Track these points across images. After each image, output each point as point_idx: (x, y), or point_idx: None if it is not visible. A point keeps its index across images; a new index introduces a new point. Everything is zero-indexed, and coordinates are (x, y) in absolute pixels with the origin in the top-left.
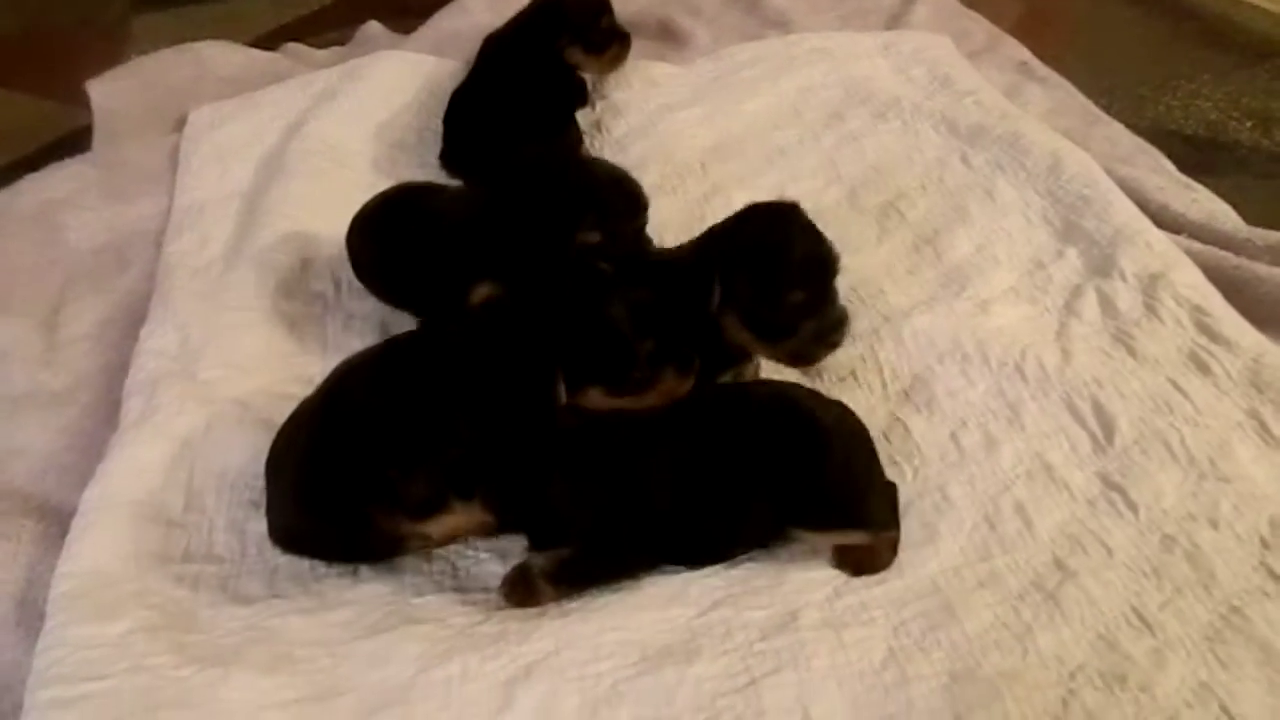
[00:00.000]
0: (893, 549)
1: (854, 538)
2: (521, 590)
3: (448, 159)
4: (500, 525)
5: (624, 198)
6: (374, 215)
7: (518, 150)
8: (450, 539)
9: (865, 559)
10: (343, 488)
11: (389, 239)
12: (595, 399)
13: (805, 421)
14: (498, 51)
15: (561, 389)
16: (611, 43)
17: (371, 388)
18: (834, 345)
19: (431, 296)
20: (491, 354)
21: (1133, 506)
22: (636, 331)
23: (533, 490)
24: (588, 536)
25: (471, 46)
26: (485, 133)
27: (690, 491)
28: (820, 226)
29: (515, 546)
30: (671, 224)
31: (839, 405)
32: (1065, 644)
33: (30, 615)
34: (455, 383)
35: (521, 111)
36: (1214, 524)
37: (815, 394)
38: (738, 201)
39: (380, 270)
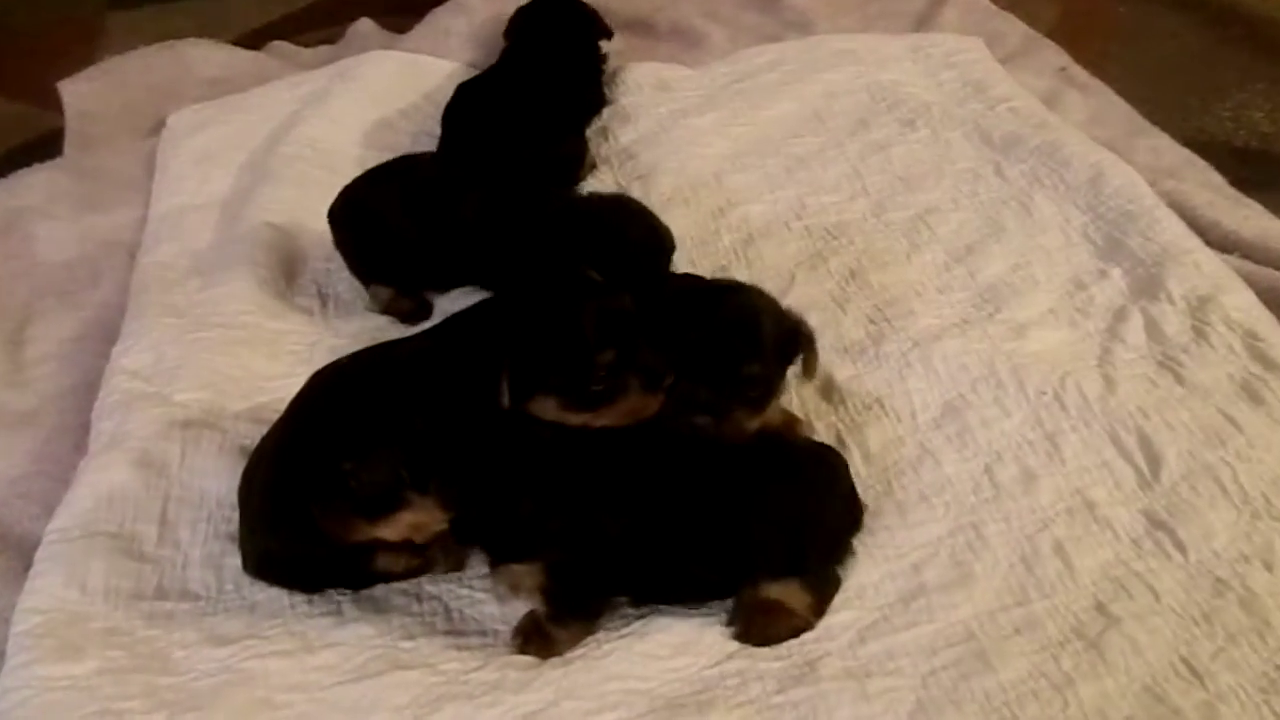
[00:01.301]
0: (795, 634)
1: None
2: (537, 641)
3: (443, 155)
4: (457, 527)
5: (649, 238)
6: (358, 185)
7: (518, 154)
8: (422, 570)
9: (768, 624)
10: (306, 501)
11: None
12: (549, 409)
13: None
14: (523, 48)
15: (505, 392)
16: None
17: (333, 393)
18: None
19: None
20: (447, 354)
21: (1181, 547)
22: (598, 340)
23: (493, 492)
24: (557, 551)
25: (470, 46)
26: (489, 132)
27: (660, 512)
28: (844, 242)
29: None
30: (684, 239)
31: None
32: (1109, 696)
33: None
34: (411, 381)
35: (533, 114)
36: (1269, 566)
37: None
38: (754, 216)
39: (365, 233)
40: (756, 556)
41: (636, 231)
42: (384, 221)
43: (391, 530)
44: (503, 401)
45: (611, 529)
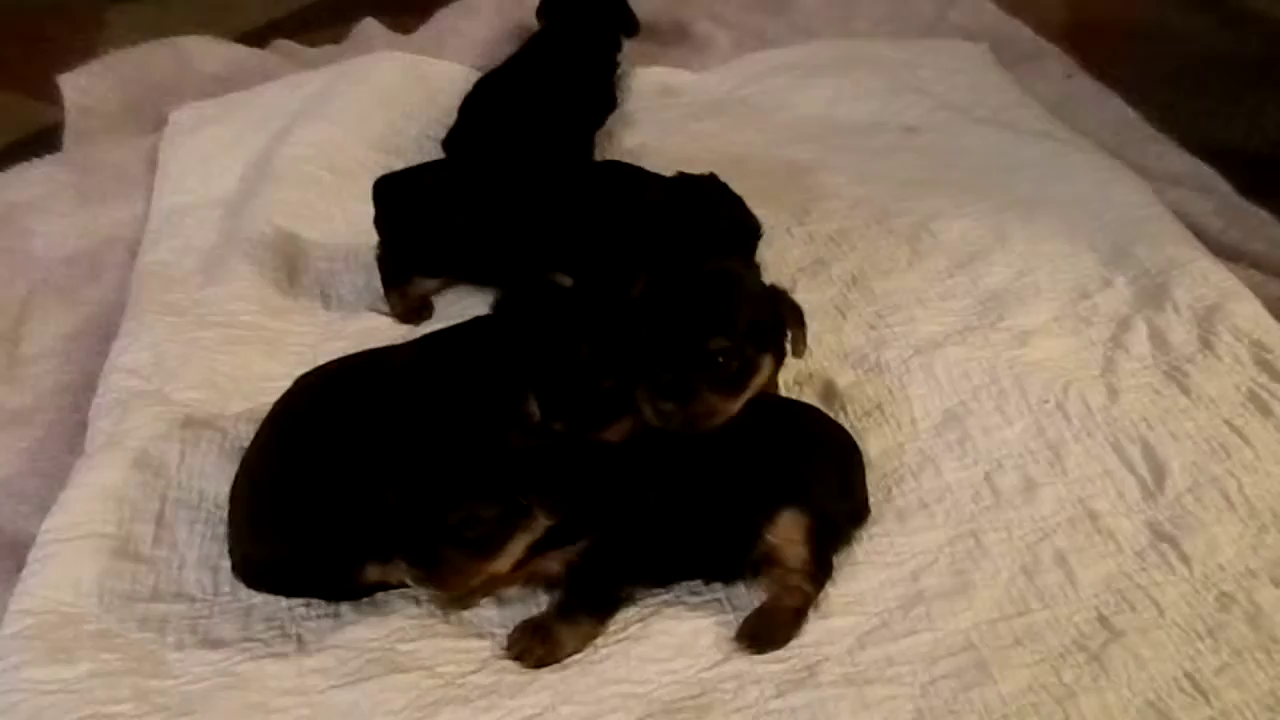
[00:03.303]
0: (796, 617)
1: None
2: (539, 645)
3: (453, 144)
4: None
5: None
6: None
7: (533, 153)
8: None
9: (765, 625)
10: (297, 507)
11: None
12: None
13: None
14: (544, 46)
15: (534, 407)
16: None
17: (317, 399)
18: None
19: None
20: (442, 366)
21: (1185, 560)
22: (600, 369)
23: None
24: (595, 533)
25: (477, 48)
26: (504, 126)
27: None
28: (846, 248)
29: (512, 589)
30: None
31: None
32: (1110, 710)
33: None
34: (403, 392)
35: (550, 113)
36: (1276, 581)
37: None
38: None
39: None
40: (763, 488)
41: (728, 214)
42: (455, 212)
43: (506, 560)
44: (533, 415)
45: (649, 500)
